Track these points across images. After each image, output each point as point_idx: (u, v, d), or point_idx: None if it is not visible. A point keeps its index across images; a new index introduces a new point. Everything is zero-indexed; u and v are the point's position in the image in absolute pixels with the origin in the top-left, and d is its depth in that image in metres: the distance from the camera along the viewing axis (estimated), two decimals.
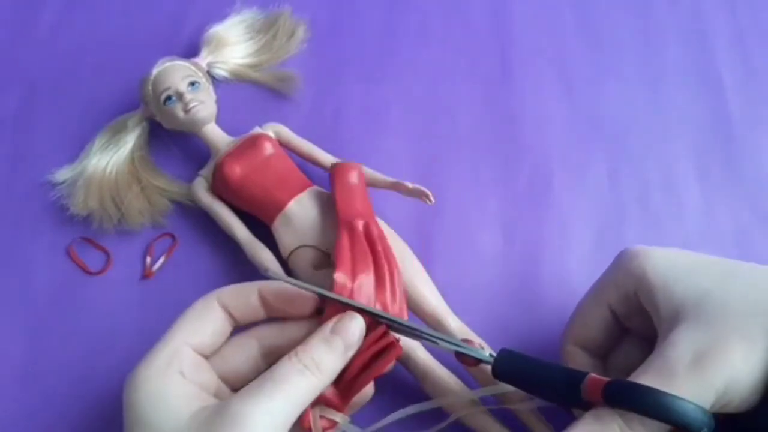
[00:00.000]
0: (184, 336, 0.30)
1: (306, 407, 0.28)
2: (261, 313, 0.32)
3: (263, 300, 0.31)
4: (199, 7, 0.50)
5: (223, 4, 0.49)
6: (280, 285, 0.32)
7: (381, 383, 0.36)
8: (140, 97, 0.43)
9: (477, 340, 0.36)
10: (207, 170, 0.41)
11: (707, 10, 0.50)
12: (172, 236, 0.42)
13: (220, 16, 0.48)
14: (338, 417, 0.31)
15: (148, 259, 0.41)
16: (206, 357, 0.31)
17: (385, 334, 0.31)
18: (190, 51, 0.46)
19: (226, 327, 0.31)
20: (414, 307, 0.37)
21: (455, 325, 0.37)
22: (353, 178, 0.39)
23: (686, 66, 0.48)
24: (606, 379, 0.28)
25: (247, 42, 0.47)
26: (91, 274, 0.41)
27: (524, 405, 0.34)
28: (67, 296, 0.40)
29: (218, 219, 0.40)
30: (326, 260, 0.37)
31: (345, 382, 0.31)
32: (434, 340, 0.31)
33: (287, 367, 0.28)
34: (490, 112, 0.46)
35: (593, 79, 0.48)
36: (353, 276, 0.34)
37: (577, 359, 0.34)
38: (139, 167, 0.43)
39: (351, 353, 0.30)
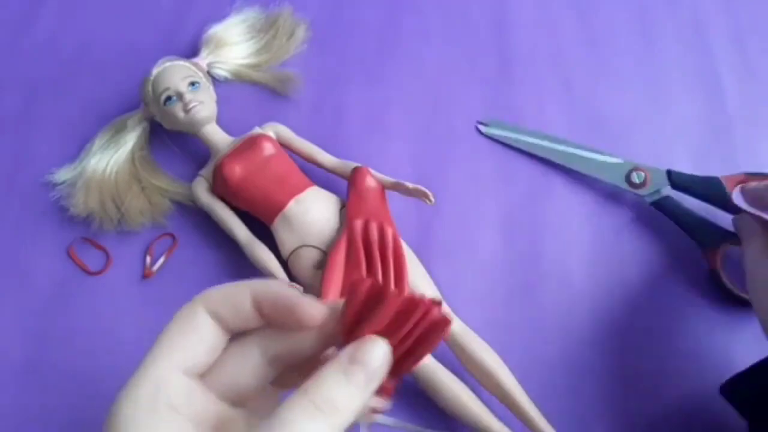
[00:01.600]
0: (170, 358, 0.24)
1: None
2: (257, 322, 0.25)
3: (258, 307, 0.25)
4: (199, 7, 0.50)
5: (223, 3, 0.49)
6: (278, 289, 0.25)
7: None
8: (140, 97, 0.43)
9: (478, 340, 0.36)
10: (207, 170, 0.41)
11: (707, 10, 0.50)
12: (172, 236, 0.42)
13: (221, 15, 0.48)
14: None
15: (148, 259, 0.41)
16: (201, 375, 0.25)
17: (428, 311, 0.25)
18: (190, 51, 0.46)
19: (219, 338, 0.25)
20: None
21: (455, 325, 0.37)
22: (369, 181, 0.39)
23: (686, 66, 0.48)
24: None
25: (247, 42, 0.47)
26: (91, 274, 0.41)
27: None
28: (67, 296, 0.40)
29: (218, 219, 0.40)
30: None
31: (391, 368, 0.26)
32: None
33: (296, 409, 0.22)
34: (490, 112, 0.46)
35: (593, 79, 0.48)
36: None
37: None
38: (139, 167, 0.43)
39: (374, 385, 0.24)
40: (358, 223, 0.37)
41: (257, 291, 0.25)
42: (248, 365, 0.25)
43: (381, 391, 0.25)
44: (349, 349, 0.23)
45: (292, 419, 0.22)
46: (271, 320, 0.25)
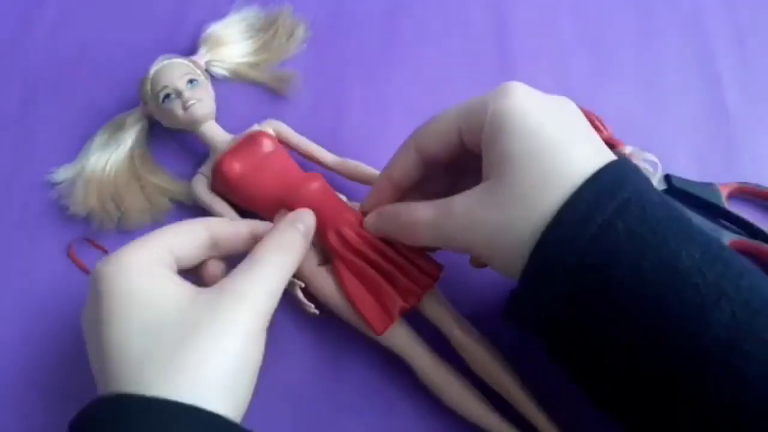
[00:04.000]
0: (171, 243, 0.31)
1: (288, 279, 0.32)
2: (247, 245, 0.33)
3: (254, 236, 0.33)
4: (198, 7, 0.50)
5: (222, 3, 0.49)
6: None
7: (378, 380, 0.36)
8: (139, 95, 0.43)
9: (480, 336, 0.36)
10: (206, 168, 0.41)
11: (707, 10, 0.50)
12: None
13: (220, 15, 0.48)
14: None
15: None
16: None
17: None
18: (189, 50, 0.46)
19: (206, 253, 0.33)
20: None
21: (456, 319, 0.36)
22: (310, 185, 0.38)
23: (686, 65, 0.48)
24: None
25: (246, 41, 0.47)
26: (91, 274, 0.41)
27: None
28: (67, 296, 0.40)
29: (218, 217, 0.40)
30: (328, 256, 0.37)
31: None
32: None
33: (268, 248, 0.31)
34: None
35: (593, 79, 0.48)
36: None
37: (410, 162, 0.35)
38: (138, 166, 0.43)
39: (310, 237, 0.34)
40: (332, 237, 0.36)
41: (254, 225, 0.34)
42: (197, 242, 0.32)
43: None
44: (291, 214, 0.35)
45: (267, 254, 0.31)
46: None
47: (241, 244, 0.33)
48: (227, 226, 0.33)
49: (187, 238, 0.32)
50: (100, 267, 0.29)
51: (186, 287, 0.29)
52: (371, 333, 0.36)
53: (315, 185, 0.38)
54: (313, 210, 0.36)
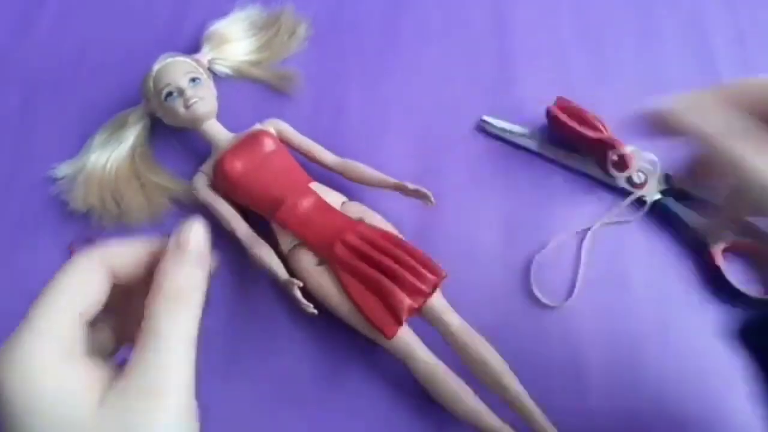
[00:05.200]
0: (74, 304, 0.24)
1: (198, 319, 0.25)
2: (146, 275, 0.26)
3: (153, 258, 0.26)
4: (198, 6, 0.50)
5: (223, 2, 0.49)
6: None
7: (378, 380, 0.36)
8: (141, 92, 0.43)
9: (479, 337, 0.36)
10: (207, 166, 0.41)
11: (707, 10, 0.50)
12: None
13: (221, 13, 0.48)
14: None
15: None
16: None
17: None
18: (190, 50, 0.46)
19: (107, 291, 0.26)
20: None
21: (456, 322, 0.36)
22: (302, 203, 0.38)
23: (686, 66, 0.48)
24: None
25: (248, 39, 0.47)
26: None
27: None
28: None
29: (218, 215, 0.40)
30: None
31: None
32: None
33: (157, 312, 0.24)
34: (490, 112, 0.46)
35: (593, 79, 0.48)
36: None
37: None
38: (139, 163, 0.43)
39: (206, 257, 0.26)
40: (339, 248, 0.37)
41: (151, 244, 0.26)
42: (99, 284, 0.25)
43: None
44: (172, 238, 0.25)
45: (162, 318, 0.24)
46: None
47: (143, 270, 0.26)
48: (124, 255, 0.26)
49: (92, 290, 0.25)
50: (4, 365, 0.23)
51: (95, 384, 0.24)
52: (379, 337, 0.36)
53: (306, 203, 0.38)
54: (311, 228, 0.36)
